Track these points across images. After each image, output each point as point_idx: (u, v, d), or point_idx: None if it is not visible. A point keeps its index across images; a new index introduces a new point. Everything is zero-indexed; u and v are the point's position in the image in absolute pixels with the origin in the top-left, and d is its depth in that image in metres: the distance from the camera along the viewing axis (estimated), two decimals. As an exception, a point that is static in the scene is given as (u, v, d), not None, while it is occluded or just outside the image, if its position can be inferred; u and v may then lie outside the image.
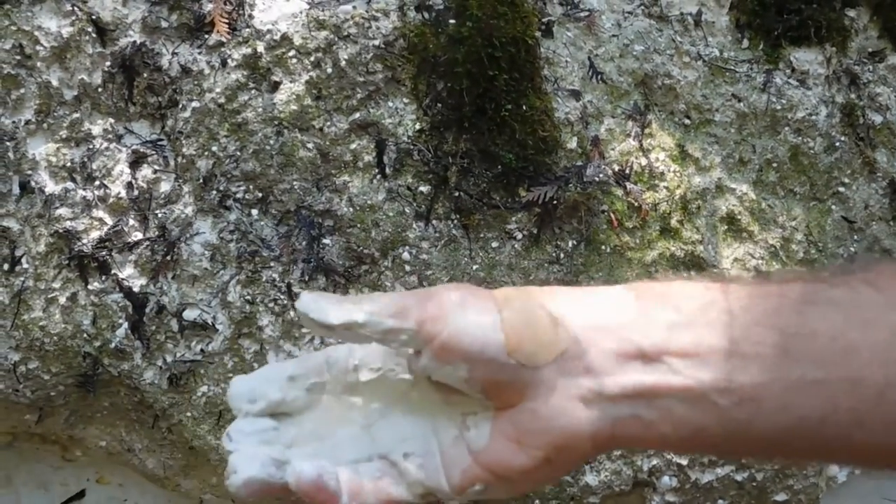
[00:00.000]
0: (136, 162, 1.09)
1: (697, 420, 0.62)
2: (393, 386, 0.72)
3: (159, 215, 1.09)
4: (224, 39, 1.06)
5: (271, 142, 1.07)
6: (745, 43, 1.17)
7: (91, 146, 1.08)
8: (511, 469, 0.66)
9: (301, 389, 0.71)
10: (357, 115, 1.09)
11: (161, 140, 1.09)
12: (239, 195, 1.09)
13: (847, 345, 0.60)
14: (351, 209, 1.09)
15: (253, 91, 1.07)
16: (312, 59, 1.07)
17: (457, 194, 1.10)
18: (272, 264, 1.10)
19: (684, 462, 1.18)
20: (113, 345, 1.10)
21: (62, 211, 1.08)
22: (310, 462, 0.69)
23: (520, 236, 1.12)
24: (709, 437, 0.62)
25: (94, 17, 1.06)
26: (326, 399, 0.72)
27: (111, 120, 1.09)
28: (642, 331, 0.63)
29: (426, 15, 1.08)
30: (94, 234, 1.08)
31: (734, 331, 0.62)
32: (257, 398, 0.71)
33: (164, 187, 1.09)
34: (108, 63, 1.07)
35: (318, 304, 0.67)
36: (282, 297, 1.10)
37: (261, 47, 1.06)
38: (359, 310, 0.65)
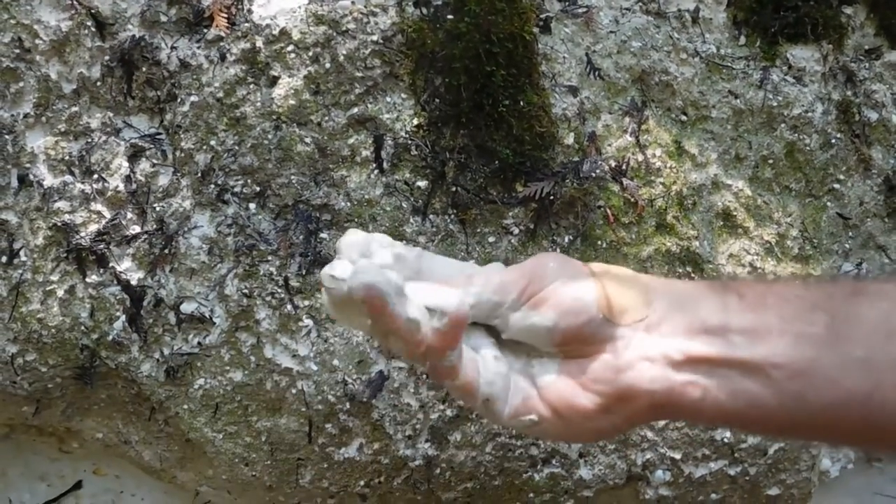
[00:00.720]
0: (135, 155, 1.09)
1: (752, 391, 0.69)
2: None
3: (157, 209, 1.09)
4: (223, 34, 1.06)
5: (269, 136, 1.08)
6: (742, 40, 1.17)
7: (90, 140, 1.08)
8: (571, 408, 0.73)
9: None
10: (355, 109, 1.09)
11: (159, 134, 1.09)
12: (237, 189, 1.09)
13: (892, 328, 0.66)
14: (348, 203, 1.10)
15: (251, 85, 1.07)
16: (311, 53, 1.07)
17: (454, 189, 1.10)
18: (270, 258, 1.10)
19: (678, 456, 1.19)
20: (110, 337, 1.11)
21: (60, 204, 1.08)
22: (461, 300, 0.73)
23: (516, 231, 1.12)
24: (762, 409, 0.69)
25: (93, 10, 1.06)
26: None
27: (110, 113, 1.09)
28: (709, 310, 0.70)
29: (424, 10, 1.08)
30: (93, 228, 1.08)
31: (789, 313, 0.68)
32: (372, 253, 0.74)
33: (163, 181, 1.09)
34: (106, 57, 1.07)
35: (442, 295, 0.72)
36: (279, 290, 1.10)
37: (259, 42, 1.06)
38: (469, 294, 0.73)
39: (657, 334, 0.71)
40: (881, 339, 0.66)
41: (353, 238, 0.76)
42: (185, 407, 1.14)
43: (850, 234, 1.23)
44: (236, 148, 1.08)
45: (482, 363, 0.74)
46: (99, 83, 1.07)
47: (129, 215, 1.09)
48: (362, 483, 1.17)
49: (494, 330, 0.76)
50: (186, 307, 1.11)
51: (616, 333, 0.72)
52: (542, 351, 0.76)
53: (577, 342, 0.73)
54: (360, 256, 0.74)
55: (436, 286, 0.73)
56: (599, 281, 0.73)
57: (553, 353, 0.75)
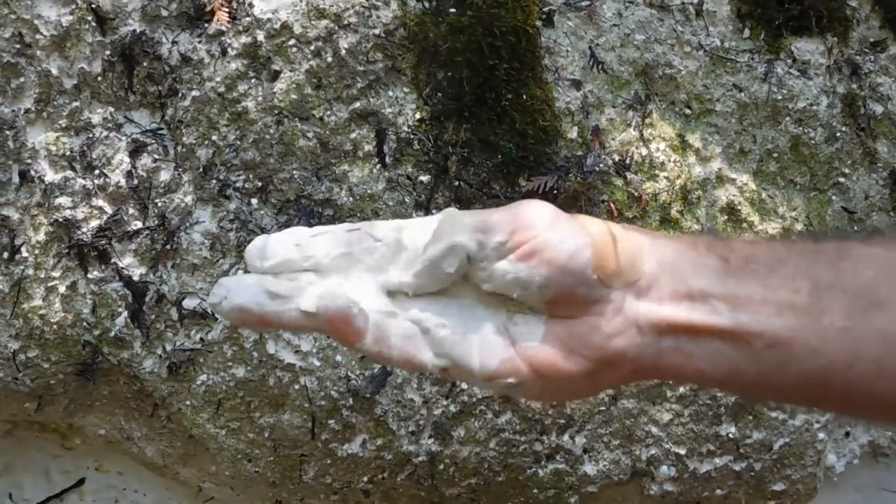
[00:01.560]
0: (136, 151, 1.09)
1: (733, 358, 0.68)
2: (437, 277, 0.71)
3: (159, 204, 1.09)
4: (224, 28, 1.06)
5: (271, 131, 1.07)
6: (747, 33, 1.16)
7: (91, 135, 1.08)
8: (556, 370, 0.71)
9: (326, 256, 0.70)
10: (357, 104, 1.08)
11: (161, 129, 1.09)
12: (239, 184, 1.09)
13: (876, 299, 0.65)
14: (351, 198, 1.09)
15: (253, 80, 1.07)
16: (312, 48, 1.07)
17: (457, 184, 1.10)
18: (272, 253, 1.10)
19: (682, 452, 1.19)
20: (112, 333, 1.10)
21: (62, 200, 1.08)
22: (339, 292, 0.69)
23: (520, 226, 1.11)
24: (743, 376, 0.69)
25: (93, 5, 1.05)
26: (357, 268, 0.72)
27: (111, 109, 1.08)
28: (694, 274, 0.69)
29: (426, 4, 1.08)
30: (94, 223, 1.08)
31: (772, 281, 0.68)
32: (269, 256, 0.70)
33: (164, 176, 1.09)
34: (107, 52, 1.07)
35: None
36: (281, 286, 1.10)
37: (261, 36, 1.06)
38: (458, 229, 0.69)
39: (646, 299, 0.70)
40: (863, 309, 0.66)
41: (252, 247, 0.71)
42: (188, 403, 1.14)
43: (856, 227, 1.22)
44: (238, 143, 1.07)
45: (429, 336, 0.71)
46: (100, 78, 1.07)
47: (131, 211, 1.09)
48: (366, 479, 1.17)
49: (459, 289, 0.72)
50: (189, 303, 1.10)
51: (608, 296, 0.70)
52: (526, 306, 0.72)
53: (568, 302, 0.71)
54: (260, 261, 0.70)
55: (322, 282, 0.70)
56: (595, 240, 0.70)
57: (539, 310, 0.72)
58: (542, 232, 0.70)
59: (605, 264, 0.70)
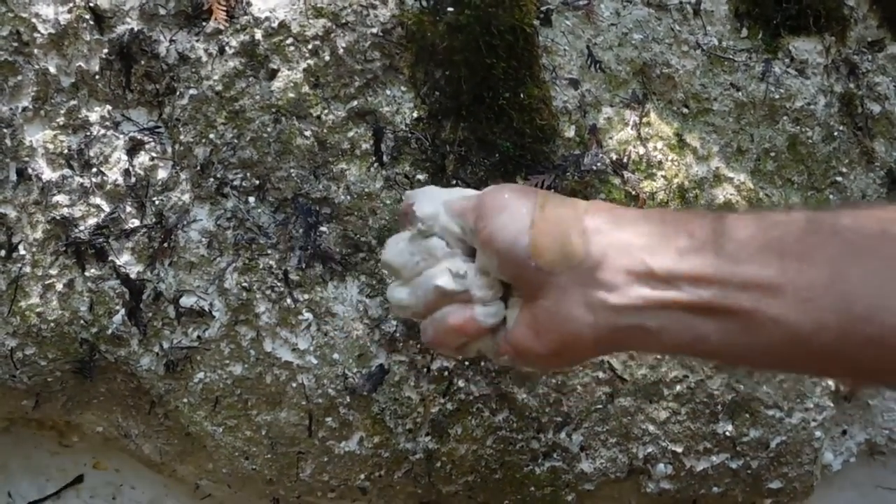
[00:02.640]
0: (134, 149, 1.09)
1: (697, 329, 0.70)
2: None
3: (156, 202, 1.09)
4: (222, 27, 1.06)
5: (269, 129, 1.07)
6: (744, 32, 1.16)
7: (88, 133, 1.08)
8: (528, 351, 0.77)
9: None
10: (355, 102, 1.08)
11: (158, 127, 1.09)
12: (236, 182, 1.09)
13: (839, 271, 0.67)
14: (348, 197, 1.09)
15: (250, 78, 1.07)
16: (310, 46, 1.07)
17: (454, 183, 1.10)
18: (269, 252, 1.10)
19: (679, 449, 1.19)
20: (110, 331, 1.11)
21: (59, 198, 1.08)
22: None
23: (517, 225, 1.11)
24: (707, 346, 0.71)
25: (91, 4, 1.05)
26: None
27: (109, 107, 1.08)
28: (657, 253, 0.71)
29: (424, 3, 1.07)
30: (92, 221, 1.08)
31: (738, 255, 0.69)
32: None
33: (162, 174, 1.09)
34: (105, 50, 1.07)
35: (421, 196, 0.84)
36: (279, 284, 1.10)
37: (258, 35, 1.06)
38: (440, 207, 0.82)
39: (595, 280, 0.72)
40: (827, 281, 0.67)
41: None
42: (185, 401, 1.14)
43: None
44: (235, 141, 1.07)
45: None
46: (97, 77, 1.07)
47: (128, 209, 1.09)
48: (363, 476, 1.17)
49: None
50: (186, 301, 1.10)
51: (553, 280, 0.74)
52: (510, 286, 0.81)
53: (522, 284, 0.77)
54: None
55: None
56: (537, 225, 0.74)
57: (518, 290, 0.79)
58: (490, 221, 0.76)
59: (542, 252, 0.74)
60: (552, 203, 0.77)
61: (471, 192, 0.84)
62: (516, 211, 0.76)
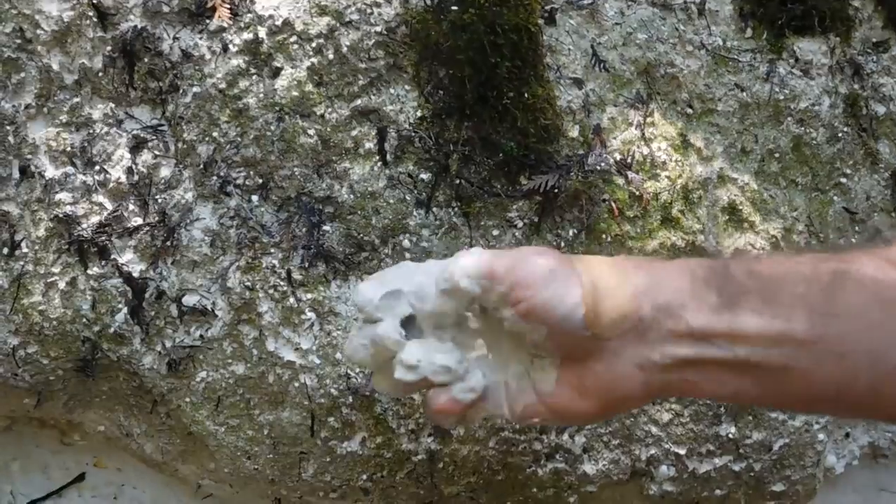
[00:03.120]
0: (137, 147, 1.08)
1: (736, 384, 0.74)
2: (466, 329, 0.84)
3: (159, 200, 1.09)
4: (225, 24, 1.06)
5: (272, 128, 1.07)
6: (749, 32, 1.16)
7: (91, 131, 1.08)
8: (571, 412, 0.79)
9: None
10: (358, 101, 1.08)
11: (161, 125, 1.09)
12: (239, 181, 1.09)
13: (869, 323, 0.69)
14: (351, 196, 1.09)
15: (254, 77, 1.07)
16: (314, 45, 1.06)
17: (458, 182, 1.10)
18: (272, 251, 1.09)
19: (682, 452, 1.18)
20: (112, 330, 1.10)
21: (62, 195, 1.07)
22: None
23: (521, 224, 1.11)
24: (746, 396, 0.75)
25: (94, 1, 1.05)
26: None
27: (112, 104, 1.08)
28: (691, 313, 0.74)
29: (428, 1, 1.07)
30: (94, 219, 1.08)
31: (768, 310, 0.72)
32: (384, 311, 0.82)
33: (165, 172, 1.09)
34: (108, 47, 1.06)
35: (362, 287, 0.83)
36: (281, 283, 1.10)
37: (262, 33, 1.06)
38: (462, 275, 0.77)
39: (644, 342, 0.75)
40: (858, 334, 0.69)
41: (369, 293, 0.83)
42: (187, 400, 1.14)
43: (857, 228, 1.22)
44: (239, 139, 1.07)
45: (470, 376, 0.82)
46: (101, 74, 1.07)
47: (131, 207, 1.09)
48: (365, 477, 1.17)
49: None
50: (188, 300, 1.10)
51: (607, 345, 0.76)
52: (544, 350, 0.79)
53: (570, 351, 0.77)
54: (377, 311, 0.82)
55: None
56: (587, 295, 0.75)
57: (551, 353, 0.79)
58: (537, 292, 0.75)
59: (597, 321, 0.75)
60: (595, 270, 0.78)
61: (456, 260, 0.81)
62: (565, 281, 0.76)
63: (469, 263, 0.77)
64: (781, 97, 1.16)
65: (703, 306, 0.74)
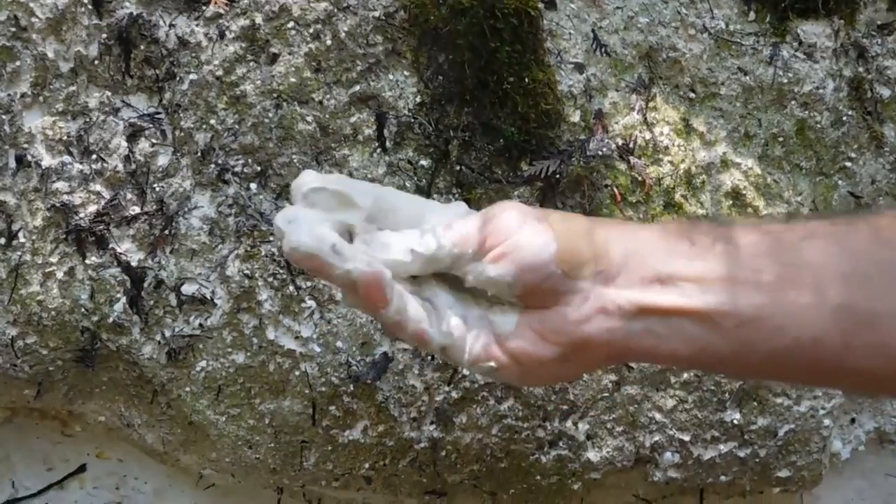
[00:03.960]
0: (134, 135, 1.08)
1: (704, 338, 0.72)
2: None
3: (157, 189, 1.08)
4: (222, 11, 1.05)
5: (270, 115, 1.06)
6: (752, 15, 1.15)
7: (88, 119, 1.07)
8: (530, 356, 0.76)
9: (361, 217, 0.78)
10: (357, 87, 1.07)
11: (158, 113, 1.08)
12: (237, 169, 1.08)
13: (839, 275, 0.68)
14: (351, 183, 1.08)
15: (251, 63, 1.06)
16: (311, 30, 1.05)
17: (458, 168, 1.09)
18: (271, 239, 1.09)
19: (687, 438, 1.18)
20: (111, 319, 1.10)
21: (59, 185, 1.07)
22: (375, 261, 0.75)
23: (522, 211, 1.11)
24: (714, 355, 0.72)
25: (89, -13, 1.04)
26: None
27: (108, 93, 1.07)
28: (662, 258, 0.73)
29: (427, -14, 1.06)
30: (92, 208, 1.08)
31: (738, 261, 0.71)
32: (315, 203, 0.76)
33: (162, 161, 1.08)
34: (104, 35, 1.06)
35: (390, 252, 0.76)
36: (281, 271, 1.09)
37: (259, 19, 1.05)
38: (433, 243, 0.76)
39: (613, 286, 0.74)
40: (828, 286, 0.68)
41: (299, 182, 0.77)
42: (188, 389, 1.13)
43: (862, 212, 1.21)
44: (236, 127, 1.07)
45: (437, 315, 0.77)
46: (97, 62, 1.06)
47: (129, 196, 1.08)
48: (367, 465, 1.17)
49: (453, 277, 0.79)
50: (187, 288, 1.10)
51: (575, 286, 0.74)
52: (503, 300, 0.78)
53: (537, 295, 0.75)
54: (305, 205, 0.76)
55: (360, 246, 0.76)
56: (559, 235, 0.75)
57: (514, 303, 0.77)
58: (510, 236, 0.75)
59: (570, 258, 0.74)
60: (568, 218, 0.78)
61: (437, 231, 0.79)
62: (536, 225, 0.75)
63: (454, 238, 0.76)
64: (785, 80, 1.15)
65: (674, 254, 0.73)
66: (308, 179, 0.77)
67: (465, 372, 1.13)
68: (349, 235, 0.77)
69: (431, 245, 0.76)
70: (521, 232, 0.75)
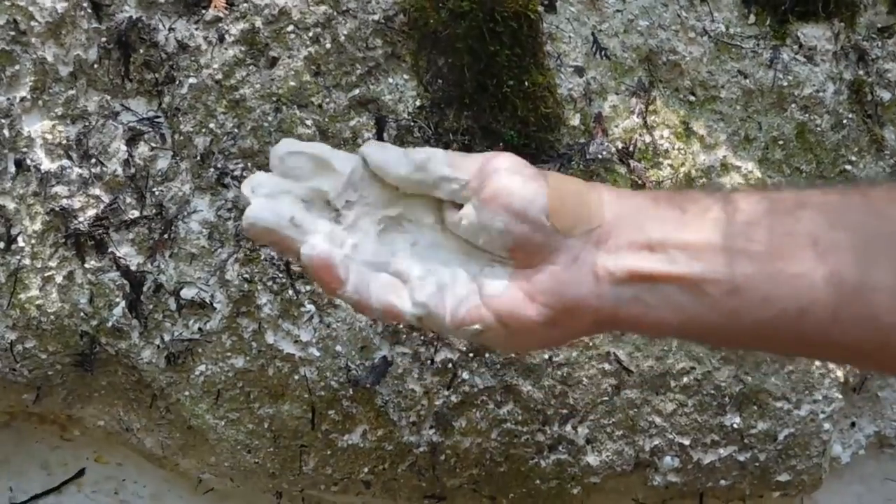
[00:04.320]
0: (133, 139, 1.08)
1: (691, 307, 0.70)
2: (423, 223, 0.79)
3: (156, 193, 1.08)
4: (221, 14, 1.05)
5: (269, 118, 1.06)
6: (752, 18, 1.15)
7: (87, 123, 1.07)
8: (517, 318, 0.74)
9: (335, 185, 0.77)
10: (356, 91, 1.07)
11: (158, 117, 1.08)
12: (237, 172, 1.08)
13: (828, 244, 0.67)
14: (350, 187, 1.08)
15: (251, 67, 1.06)
16: (311, 34, 1.05)
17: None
18: (271, 243, 1.09)
19: (686, 442, 1.18)
20: (110, 323, 1.10)
21: (58, 189, 1.07)
22: (326, 242, 0.74)
23: (521, 215, 1.10)
24: (701, 324, 0.71)
25: (89, -9, 1.04)
26: (358, 199, 0.78)
27: (107, 96, 1.07)
28: (652, 225, 0.72)
29: (427, -11, 1.06)
30: (91, 212, 1.07)
31: (728, 229, 0.70)
32: (288, 170, 0.76)
33: (161, 165, 1.08)
34: (103, 39, 1.05)
35: (385, 152, 0.76)
36: (280, 275, 1.09)
37: (258, 22, 1.05)
38: (420, 154, 0.75)
39: (604, 249, 0.73)
40: (816, 255, 0.67)
41: (277, 147, 0.76)
42: (187, 394, 1.13)
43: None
44: (236, 131, 1.06)
45: (409, 286, 0.76)
46: (96, 66, 1.06)
47: (128, 200, 1.08)
48: (366, 470, 1.17)
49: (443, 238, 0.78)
50: (187, 293, 1.09)
51: (566, 244, 0.73)
52: (494, 256, 0.76)
53: (527, 250, 0.74)
54: (280, 172, 0.76)
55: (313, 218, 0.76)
56: (551, 190, 0.74)
57: (505, 260, 0.76)
58: (503, 177, 0.74)
59: (562, 212, 0.73)
60: (551, 174, 0.77)
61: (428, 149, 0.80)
62: (531, 173, 0.75)
63: (450, 158, 0.76)
64: (785, 84, 1.15)
65: (665, 221, 0.72)
66: (285, 143, 0.76)
67: (465, 376, 1.13)
68: (324, 204, 0.76)
69: (424, 154, 0.76)
70: (513, 177, 0.74)
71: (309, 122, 1.07)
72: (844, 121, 1.17)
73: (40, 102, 1.06)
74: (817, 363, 1.18)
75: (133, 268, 1.09)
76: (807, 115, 1.16)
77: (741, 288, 0.69)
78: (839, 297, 0.66)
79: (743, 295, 0.69)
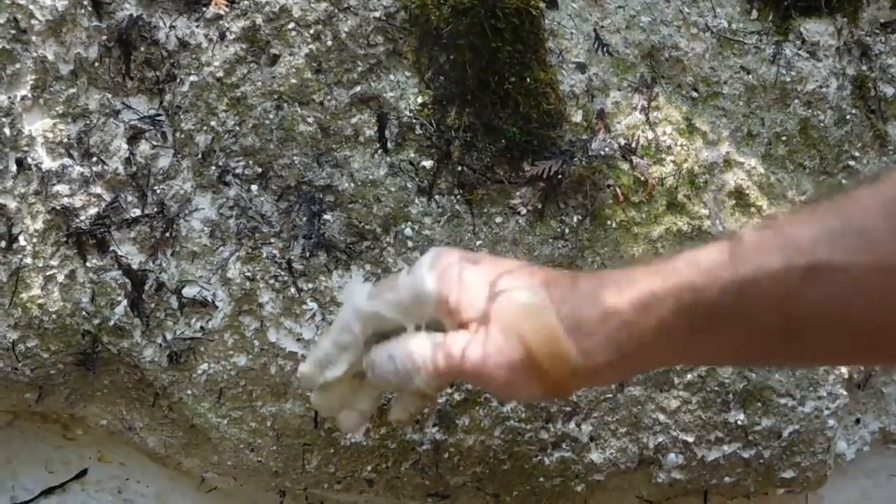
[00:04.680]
0: (134, 137, 1.07)
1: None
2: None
3: (158, 191, 1.08)
4: (222, 12, 1.05)
5: (271, 116, 1.06)
6: (754, 14, 1.14)
7: (88, 121, 1.07)
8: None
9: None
10: (358, 88, 1.07)
11: (159, 115, 1.08)
12: (238, 170, 1.07)
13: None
14: (352, 184, 1.08)
15: (252, 64, 1.06)
16: (312, 31, 1.05)
17: (460, 169, 1.09)
18: (272, 240, 1.09)
19: (691, 439, 1.17)
20: (112, 322, 1.10)
21: (59, 187, 1.06)
22: None
23: (524, 211, 1.10)
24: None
25: (89, -11, 1.04)
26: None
27: (108, 95, 1.07)
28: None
29: (428, -14, 1.06)
30: (92, 211, 1.07)
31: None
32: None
33: (163, 163, 1.08)
34: (104, 37, 1.05)
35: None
36: (282, 273, 1.09)
37: (259, 20, 1.05)
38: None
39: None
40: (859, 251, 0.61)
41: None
42: (189, 392, 1.13)
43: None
44: (237, 128, 1.06)
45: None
46: (97, 64, 1.06)
47: (130, 198, 1.08)
48: (369, 468, 1.16)
49: None
50: (188, 291, 1.09)
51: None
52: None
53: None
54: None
55: None
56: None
57: None
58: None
59: (538, 370, 0.73)
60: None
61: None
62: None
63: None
64: (788, 79, 1.15)
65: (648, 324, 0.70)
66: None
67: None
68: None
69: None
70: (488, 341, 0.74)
71: (310, 120, 1.06)
72: (848, 116, 1.17)
73: (41, 101, 1.06)
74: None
75: (135, 266, 1.08)
76: (810, 111, 1.16)
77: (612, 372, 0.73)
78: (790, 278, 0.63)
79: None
